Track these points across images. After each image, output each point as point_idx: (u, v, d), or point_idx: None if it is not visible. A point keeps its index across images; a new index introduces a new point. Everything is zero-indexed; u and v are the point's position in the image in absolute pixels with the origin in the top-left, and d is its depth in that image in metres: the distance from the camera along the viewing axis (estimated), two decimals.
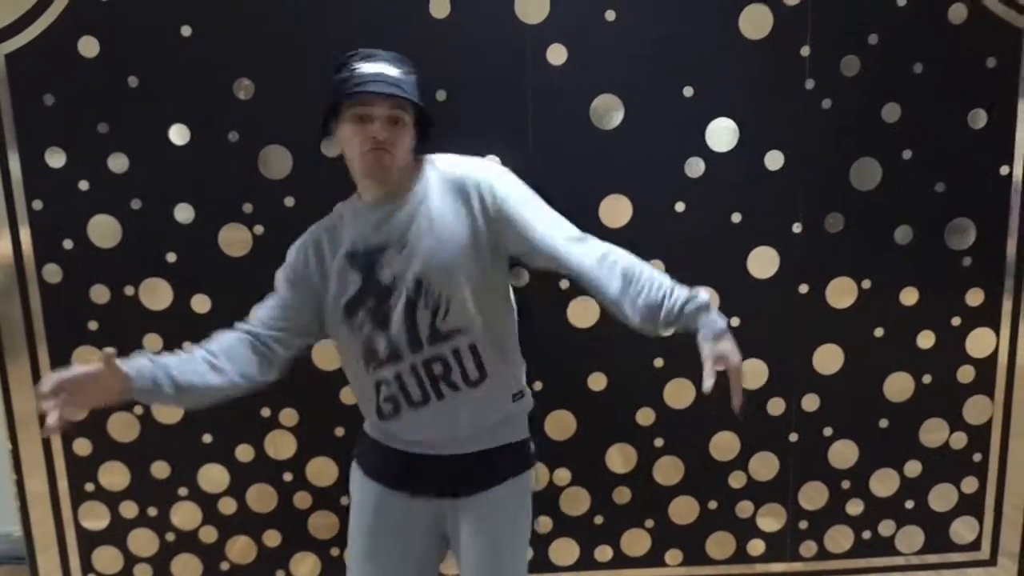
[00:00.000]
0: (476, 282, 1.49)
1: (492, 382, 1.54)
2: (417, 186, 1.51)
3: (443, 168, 1.53)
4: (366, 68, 1.45)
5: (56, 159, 1.98)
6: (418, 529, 1.62)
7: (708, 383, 1.37)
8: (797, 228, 2.11)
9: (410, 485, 1.60)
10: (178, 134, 1.99)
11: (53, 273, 2.04)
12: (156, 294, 2.06)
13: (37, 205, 2.00)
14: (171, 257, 2.04)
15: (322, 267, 1.56)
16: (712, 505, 2.25)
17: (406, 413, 1.56)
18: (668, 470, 2.22)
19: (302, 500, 2.19)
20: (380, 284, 1.50)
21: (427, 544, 1.64)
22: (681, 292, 1.42)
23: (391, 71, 1.45)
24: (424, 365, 1.52)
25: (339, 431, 2.15)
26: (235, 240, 2.04)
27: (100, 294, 2.05)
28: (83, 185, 2.00)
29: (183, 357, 1.49)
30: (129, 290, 2.05)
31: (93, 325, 2.06)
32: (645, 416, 2.18)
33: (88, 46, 1.94)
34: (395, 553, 1.61)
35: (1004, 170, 2.11)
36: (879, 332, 2.18)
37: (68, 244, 2.02)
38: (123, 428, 2.13)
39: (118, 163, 1.99)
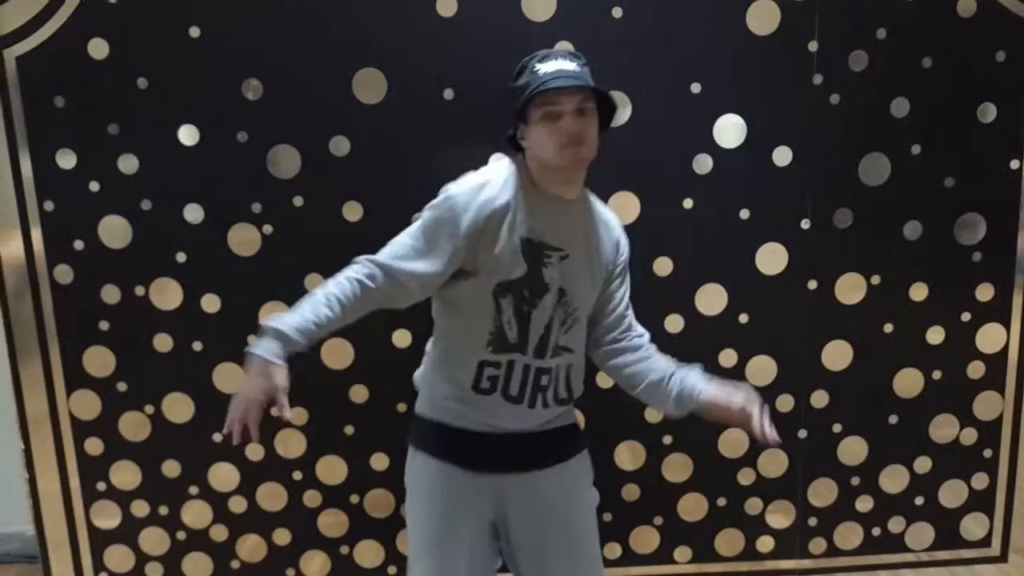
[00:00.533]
0: (588, 313, 1.59)
1: (569, 408, 1.64)
2: (589, 195, 1.59)
3: (591, 196, 1.61)
4: (545, 68, 1.47)
5: (67, 160, 2.00)
6: (483, 508, 1.59)
7: (771, 434, 1.46)
8: (806, 224, 2.10)
9: (478, 462, 1.58)
10: (187, 135, 2.00)
11: (64, 274, 2.05)
12: (166, 294, 2.07)
13: (48, 206, 2.02)
14: (181, 257, 2.05)
15: (495, 237, 1.48)
16: (721, 502, 2.25)
17: (495, 399, 1.55)
18: (677, 467, 2.22)
19: (312, 499, 2.20)
20: (541, 281, 1.50)
21: (488, 531, 1.62)
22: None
23: (569, 65, 1.47)
24: (536, 370, 1.54)
25: (348, 430, 2.16)
26: (244, 240, 2.05)
27: (111, 294, 2.06)
28: (94, 186, 2.01)
29: (316, 309, 1.48)
30: (140, 290, 2.06)
31: (104, 325, 2.07)
32: (654, 413, 2.18)
33: (98, 48, 1.95)
34: (464, 533, 1.59)
35: (1014, 164, 2.10)
36: (888, 328, 2.17)
37: (79, 245, 2.04)
38: (134, 427, 2.14)
39: (128, 164, 2.00)
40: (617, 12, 1.97)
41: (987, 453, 2.27)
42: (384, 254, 1.50)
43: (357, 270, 1.49)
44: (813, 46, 2.01)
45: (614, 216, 1.64)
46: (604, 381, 2.15)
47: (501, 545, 1.65)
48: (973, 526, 2.33)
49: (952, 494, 2.30)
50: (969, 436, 2.26)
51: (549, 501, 1.59)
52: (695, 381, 1.55)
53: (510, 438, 1.57)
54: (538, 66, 1.48)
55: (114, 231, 2.03)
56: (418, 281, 1.49)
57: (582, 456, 1.67)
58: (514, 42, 1.96)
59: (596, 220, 1.58)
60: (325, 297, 1.46)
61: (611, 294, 1.61)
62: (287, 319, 1.43)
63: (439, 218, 1.46)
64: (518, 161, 1.54)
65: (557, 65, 1.46)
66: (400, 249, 1.50)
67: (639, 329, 1.66)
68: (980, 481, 2.29)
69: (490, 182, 1.50)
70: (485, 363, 1.53)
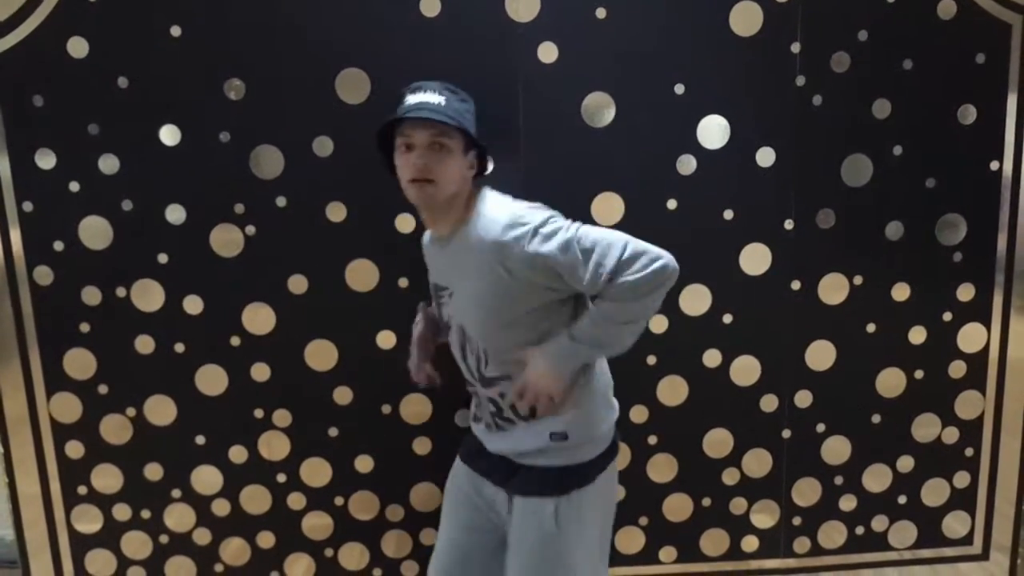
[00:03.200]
0: (523, 335, 1.52)
1: (541, 422, 1.58)
2: (468, 228, 1.51)
3: (485, 211, 1.50)
4: (411, 99, 1.49)
5: (46, 160, 1.98)
6: (483, 506, 1.69)
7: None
8: (789, 225, 2.11)
9: (474, 462, 1.72)
10: (169, 135, 1.98)
11: (44, 275, 2.03)
12: (148, 295, 2.05)
13: (27, 207, 1.99)
14: (163, 258, 2.03)
15: None
16: (706, 502, 2.26)
17: (478, 427, 1.73)
18: (662, 467, 2.23)
19: (296, 501, 2.19)
20: (444, 319, 1.65)
21: (494, 531, 1.67)
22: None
23: (434, 99, 1.48)
24: (485, 398, 1.64)
25: (332, 431, 2.14)
26: (227, 240, 2.03)
27: (92, 296, 2.04)
28: (74, 186, 1.99)
29: None
30: (121, 291, 2.04)
31: (85, 327, 2.05)
32: (638, 414, 2.18)
33: (77, 47, 1.93)
34: (462, 519, 1.71)
35: (994, 165, 2.12)
36: (871, 328, 2.19)
37: (59, 246, 2.01)
38: (115, 430, 2.12)
39: (109, 164, 1.98)
40: (601, 13, 1.97)
41: (969, 452, 2.29)
42: None
43: None
44: (796, 48, 2.02)
45: (496, 220, 1.47)
46: None
47: None
48: (955, 524, 2.35)
49: (934, 493, 2.31)
50: (951, 435, 2.28)
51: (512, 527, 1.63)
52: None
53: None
54: (407, 97, 1.51)
55: (95, 232, 2.01)
56: None
57: (531, 501, 1.58)
58: (498, 42, 1.97)
59: (474, 245, 1.47)
60: None
61: (549, 289, 1.49)
62: None
63: None
64: None
65: (421, 97, 1.48)
66: None
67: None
68: (962, 480, 2.31)
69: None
70: (473, 393, 1.70)
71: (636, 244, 1.46)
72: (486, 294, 1.49)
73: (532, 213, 1.48)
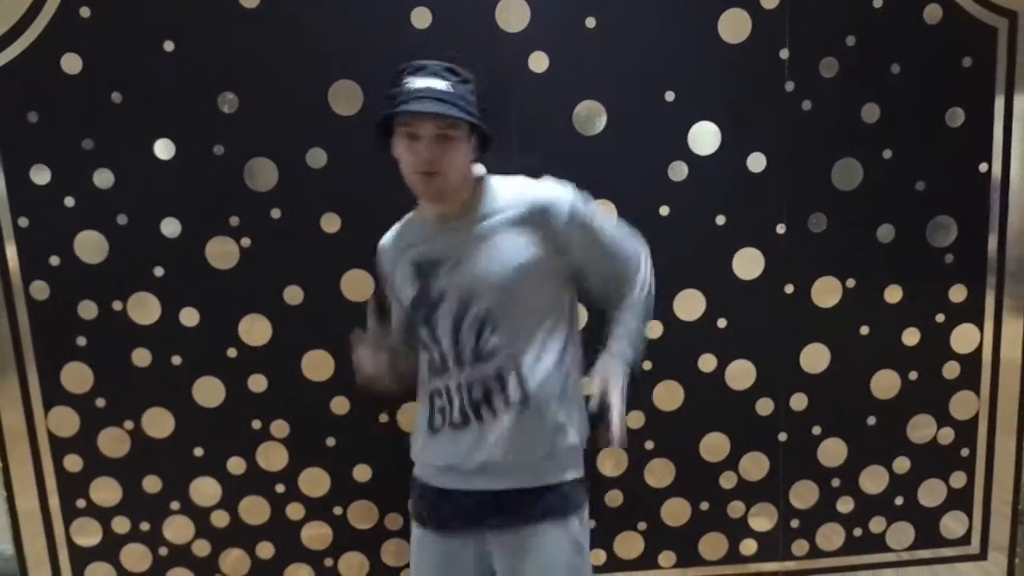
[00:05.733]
0: (534, 307, 1.48)
1: (534, 411, 1.47)
2: (480, 204, 1.48)
3: (513, 188, 1.51)
4: (414, 83, 1.39)
5: (41, 176, 1.98)
6: (459, 569, 1.53)
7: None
8: (781, 229, 2.13)
9: (439, 520, 1.54)
10: (163, 148, 1.99)
11: (40, 290, 2.03)
12: (144, 309, 2.06)
13: (23, 222, 2.00)
14: (158, 271, 2.04)
15: (394, 268, 1.59)
16: (704, 506, 2.27)
17: (446, 432, 1.51)
18: (659, 472, 2.23)
19: (295, 511, 2.19)
20: (430, 296, 1.49)
21: None
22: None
23: (439, 84, 1.39)
24: (467, 384, 1.48)
25: (330, 441, 2.15)
26: (222, 253, 2.04)
27: (88, 310, 2.05)
28: (69, 201, 2.00)
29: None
30: (117, 305, 2.05)
31: (81, 341, 2.06)
32: (635, 419, 2.19)
33: (71, 63, 1.94)
34: None
35: (983, 167, 2.14)
36: (864, 330, 2.20)
37: (55, 260, 2.02)
38: (113, 443, 2.12)
39: (103, 178, 1.99)
40: (590, 22, 1.98)
41: (964, 452, 2.30)
42: None
43: None
44: (784, 53, 2.04)
45: (527, 186, 1.50)
46: (585, 388, 2.15)
47: None
48: (953, 524, 2.35)
49: (931, 493, 2.32)
50: (946, 436, 2.29)
51: (510, 562, 1.50)
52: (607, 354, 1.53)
53: (463, 494, 1.50)
54: (408, 79, 1.40)
55: (90, 246, 2.02)
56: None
57: (557, 523, 1.50)
58: (489, 52, 1.98)
59: (502, 210, 1.47)
60: None
61: (580, 262, 1.51)
62: None
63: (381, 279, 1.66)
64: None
65: (426, 82, 1.39)
66: None
67: (635, 283, 1.59)
68: (958, 480, 2.32)
69: (395, 226, 1.65)
70: (434, 393, 1.54)
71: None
72: (517, 252, 1.44)
73: (564, 186, 1.53)
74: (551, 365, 1.49)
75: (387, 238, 1.64)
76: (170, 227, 2.03)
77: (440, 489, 1.54)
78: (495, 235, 1.46)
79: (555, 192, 1.48)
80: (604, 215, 1.56)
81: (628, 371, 1.52)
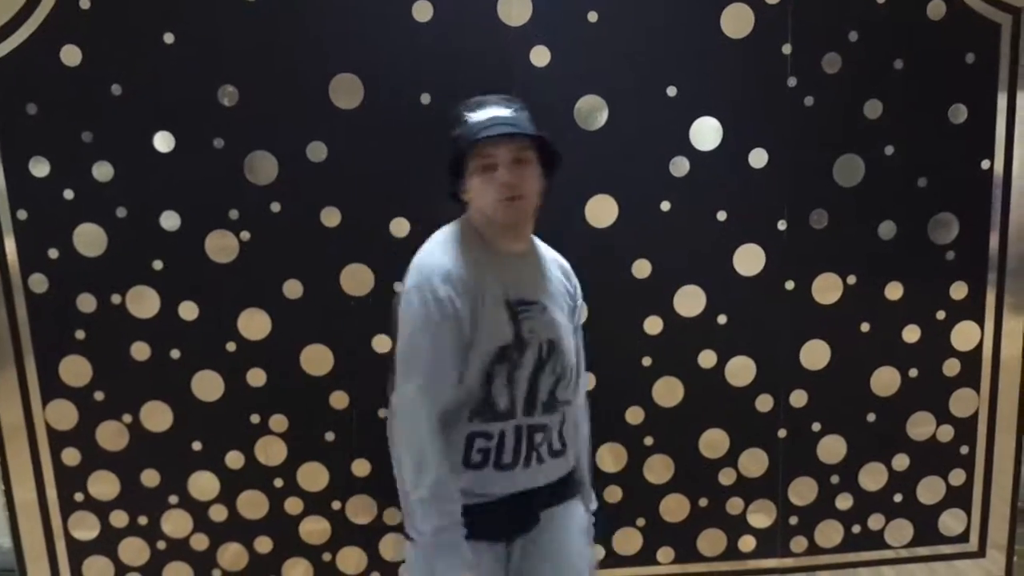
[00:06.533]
0: (576, 362, 1.57)
1: (567, 457, 1.56)
2: (535, 244, 1.55)
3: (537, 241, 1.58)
4: (478, 116, 1.41)
5: (40, 168, 1.98)
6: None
7: None
8: (782, 225, 2.12)
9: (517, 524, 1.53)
10: (163, 141, 1.99)
11: (39, 283, 2.03)
12: (143, 302, 2.05)
13: (22, 215, 1.99)
14: (158, 265, 2.04)
15: (478, 303, 1.42)
16: (703, 502, 2.26)
17: (488, 471, 1.47)
18: (658, 468, 2.23)
19: (293, 506, 2.19)
20: (522, 339, 1.44)
21: None
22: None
23: (503, 112, 1.41)
24: (528, 429, 1.47)
25: (329, 436, 2.15)
26: (222, 246, 2.04)
27: (87, 303, 2.04)
28: (68, 194, 1.99)
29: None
30: (116, 298, 2.04)
31: (80, 334, 2.05)
32: (634, 415, 2.18)
33: (71, 55, 1.93)
34: None
35: (985, 164, 2.14)
36: (865, 327, 2.19)
37: (54, 253, 2.01)
38: (112, 437, 2.12)
39: (103, 171, 1.99)
40: (592, 16, 1.98)
41: (964, 450, 2.30)
42: (422, 391, 1.39)
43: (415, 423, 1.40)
44: (787, 49, 2.03)
45: (563, 260, 1.62)
46: None
47: None
48: (951, 522, 2.35)
49: (930, 491, 2.32)
50: (946, 433, 2.28)
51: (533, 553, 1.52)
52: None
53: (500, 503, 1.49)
54: (469, 116, 1.42)
55: (89, 239, 2.02)
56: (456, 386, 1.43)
57: (569, 505, 1.58)
58: (490, 46, 1.97)
59: (550, 265, 1.56)
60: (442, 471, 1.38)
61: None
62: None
63: (434, 320, 1.37)
64: (463, 220, 1.48)
65: (490, 112, 1.40)
66: (424, 372, 1.40)
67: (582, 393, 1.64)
68: (957, 477, 2.32)
69: (450, 254, 1.42)
70: (476, 435, 1.45)
71: None
72: (567, 313, 1.55)
73: None
74: (576, 416, 1.62)
75: (453, 264, 1.41)
76: (169, 220, 2.02)
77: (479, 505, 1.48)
78: (559, 285, 1.55)
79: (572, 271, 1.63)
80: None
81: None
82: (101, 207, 2.00)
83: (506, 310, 1.43)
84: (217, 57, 1.95)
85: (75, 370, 2.08)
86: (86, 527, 2.17)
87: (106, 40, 1.93)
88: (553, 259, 1.58)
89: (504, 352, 1.43)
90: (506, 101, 1.45)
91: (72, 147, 1.97)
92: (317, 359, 2.09)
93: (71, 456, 2.12)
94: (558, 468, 1.55)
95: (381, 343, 2.09)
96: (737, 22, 2.01)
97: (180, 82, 1.95)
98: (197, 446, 2.14)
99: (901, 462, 2.29)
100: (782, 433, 2.24)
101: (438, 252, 1.43)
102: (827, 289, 2.17)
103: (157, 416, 2.11)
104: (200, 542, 2.19)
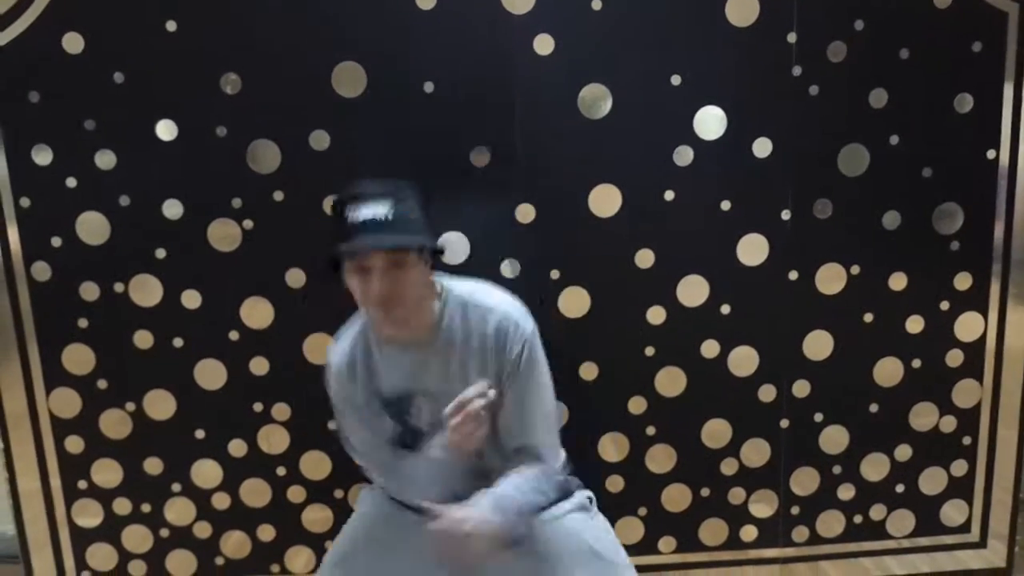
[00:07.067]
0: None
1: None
2: (443, 322, 1.48)
3: (470, 299, 1.50)
4: (353, 216, 1.34)
5: (43, 156, 1.97)
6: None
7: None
8: (786, 215, 2.11)
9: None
10: (165, 130, 1.98)
11: (42, 271, 2.03)
12: (146, 290, 2.05)
13: (24, 203, 1.99)
14: (160, 253, 2.04)
15: (358, 394, 1.55)
16: (704, 492, 2.27)
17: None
18: (660, 458, 2.23)
19: (296, 494, 2.19)
20: (416, 429, 1.50)
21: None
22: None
23: (381, 209, 1.34)
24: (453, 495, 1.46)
25: (332, 424, 2.15)
26: (224, 235, 2.03)
27: (90, 291, 2.04)
28: (71, 182, 1.99)
29: None
30: (119, 287, 2.04)
31: (83, 323, 2.06)
32: (637, 405, 2.18)
33: (73, 42, 1.92)
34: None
35: (991, 154, 2.12)
36: (868, 317, 2.19)
37: (56, 242, 2.01)
38: (115, 425, 2.12)
39: (105, 160, 1.98)
40: (596, 4, 1.96)
41: (966, 440, 2.30)
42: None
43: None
44: (792, 37, 2.02)
45: (499, 317, 1.48)
46: (587, 373, 2.16)
47: None
48: (953, 513, 2.36)
49: (932, 481, 2.32)
50: (948, 424, 2.28)
51: None
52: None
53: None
54: (349, 212, 1.35)
55: (92, 227, 2.01)
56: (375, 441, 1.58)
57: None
58: (494, 34, 1.96)
59: (465, 342, 1.47)
60: None
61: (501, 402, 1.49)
62: None
63: (337, 400, 1.59)
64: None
65: (367, 212, 1.33)
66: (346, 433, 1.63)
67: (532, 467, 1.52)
68: (959, 468, 2.32)
69: (341, 346, 1.54)
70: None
71: None
72: (486, 371, 1.47)
73: (526, 315, 1.53)
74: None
75: (338, 359, 1.54)
76: (172, 209, 2.02)
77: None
78: (466, 361, 1.47)
79: (515, 321, 1.49)
80: (545, 382, 1.56)
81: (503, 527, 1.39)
82: (104, 195, 2.00)
83: (385, 408, 1.50)
84: (220, 45, 1.94)
85: (78, 358, 2.08)
86: (89, 515, 2.18)
87: (108, 28, 1.92)
88: (476, 328, 1.48)
89: (399, 439, 1.52)
90: (388, 193, 1.37)
91: (74, 135, 1.97)
92: (320, 348, 2.09)
93: (74, 444, 2.13)
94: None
95: None
96: (742, 10, 2.00)
97: (183, 70, 1.95)
98: (200, 434, 2.14)
99: (903, 452, 2.29)
100: (784, 423, 2.24)
101: (338, 342, 1.59)
102: (831, 279, 2.16)
103: (160, 404, 2.12)
104: (203, 530, 2.20)
